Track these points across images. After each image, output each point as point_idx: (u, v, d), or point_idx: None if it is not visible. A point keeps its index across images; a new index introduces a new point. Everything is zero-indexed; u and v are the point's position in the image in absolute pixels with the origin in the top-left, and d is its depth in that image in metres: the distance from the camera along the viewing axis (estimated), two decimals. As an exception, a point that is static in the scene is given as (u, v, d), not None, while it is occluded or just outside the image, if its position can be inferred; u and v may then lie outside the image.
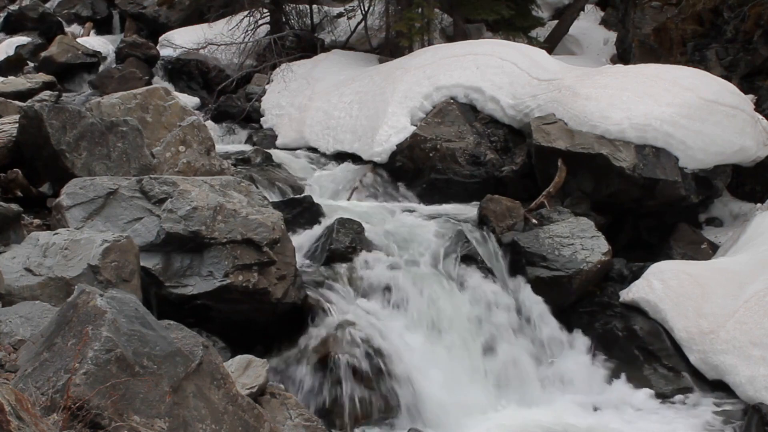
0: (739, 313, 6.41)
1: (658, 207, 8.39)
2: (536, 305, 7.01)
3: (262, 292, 5.73)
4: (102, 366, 3.22)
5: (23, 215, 5.87)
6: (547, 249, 7.24)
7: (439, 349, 6.39)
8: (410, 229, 7.61)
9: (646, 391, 6.51)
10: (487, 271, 7.11)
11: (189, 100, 11.93)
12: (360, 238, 6.99)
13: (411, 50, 11.56)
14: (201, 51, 13.14)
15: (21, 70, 12.91)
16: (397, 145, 9.34)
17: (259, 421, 3.85)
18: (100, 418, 3.13)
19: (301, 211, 7.56)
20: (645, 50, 11.86)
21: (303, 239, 7.16)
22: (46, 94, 9.94)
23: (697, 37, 11.11)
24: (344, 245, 6.88)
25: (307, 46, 13.30)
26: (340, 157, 9.85)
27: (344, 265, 6.80)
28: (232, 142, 11.05)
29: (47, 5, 16.45)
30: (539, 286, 7.08)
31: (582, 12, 15.15)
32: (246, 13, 13.41)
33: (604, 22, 15.65)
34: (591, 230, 7.46)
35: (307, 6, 14.09)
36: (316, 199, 7.95)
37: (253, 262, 5.69)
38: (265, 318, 5.92)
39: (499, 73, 9.54)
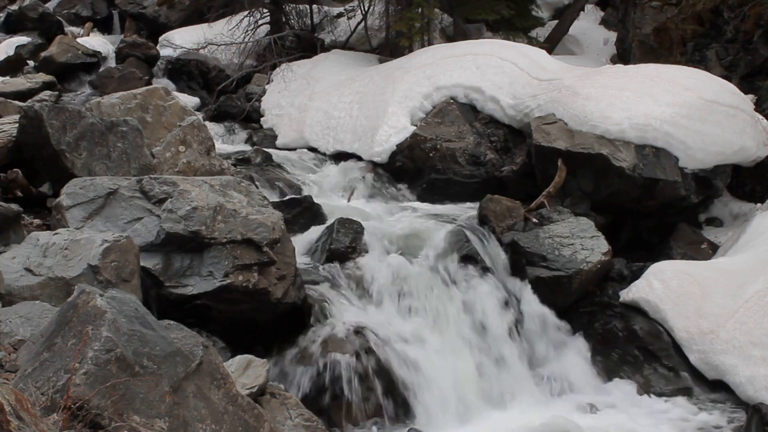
0: (739, 313, 6.42)
1: (658, 207, 8.39)
2: (536, 305, 7.01)
3: (262, 292, 5.73)
4: (102, 366, 3.22)
5: (23, 215, 5.87)
6: (547, 249, 7.24)
7: (438, 348, 6.38)
8: (410, 229, 7.61)
9: (646, 391, 6.52)
10: (487, 271, 7.11)
11: (189, 100, 11.92)
12: (360, 238, 6.99)
13: (411, 50, 11.55)
14: (201, 51, 13.14)
15: (21, 70, 12.89)
16: (397, 145, 9.35)
17: (259, 421, 3.86)
18: (100, 418, 3.13)
19: (301, 211, 7.56)
20: (645, 50, 11.86)
21: (303, 239, 7.17)
22: (46, 94, 9.94)
23: (697, 37, 11.11)
24: (344, 245, 6.88)
25: (307, 46, 13.30)
26: (340, 157, 9.86)
27: (344, 265, 6.80)
28: (232, 142, 11.05)
29: (47, 5, 16.43)
30: (539, 286, 7.08)
31: (582, 12, 15.14)
32: (246, 13, 13.40)
33: (604, 22, 15.65)
34: (591, 230, 7.46)
35: (307, 6, 14.08)
36: (316, 199, 7.96)
37: (253, 262, 5.69)
38: (265, 318, 5.92)
39: (499, 73, 9.54)
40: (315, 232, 7.29)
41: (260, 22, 13.47)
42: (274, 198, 8.09)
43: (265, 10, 13.54)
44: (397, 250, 7.19)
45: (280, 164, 9.43)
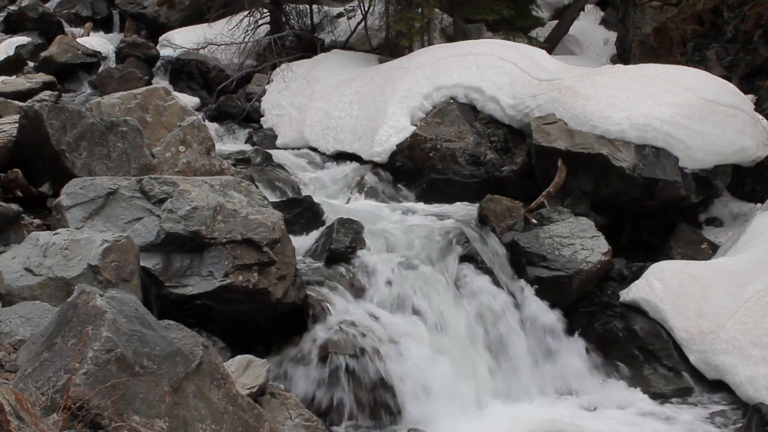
0: (739, 313, 6.42)
1: (658, 207, 8.39)
2: (536, 305, 7.01)
3: (262, 292, 5.72)
4: (102, 366, 3.22)
5: (23, 215, 5.86)
6: (547, 249, 7.24)
7: (438, 349, 6.38)
8: (410, 229, 7.61)
9: (646, 391, 6.52)
10: (487, 271, 7.10)
11: (189, 100, 11.92)
12: (360, 238, 6.99)
13: (411, 50, 11.56)
14: (201, 51, 13.14)
15: (21, 70, 12.89)
16: (397, 145, 9.35)
17: (259, 421, 3.85)
18: (100, 418, 3.13)
19: (301, 211, 7.56)
20: (645, 50, 11.86)
21: (303, 239, 7.16)
22: (46, 94, 9.94)
23: (697, 37, 11.11)
24: (344, 245, 6.88)
25: (307, 46, 13.31)
26: (340, 157, 9.86)
27: (344, 265, 6.80)
28: (232, 142, 11.05)
29: (47, 5, 16.43)
30: (539, 286, 7.08)
31: (582, 12, 15.16)
32: (246, 13, 13.41)
33: (604, 22, 15.66)
34: (591, 230, 7.46)
35: (307, 6, 14.09)
36: (316, 199, 7.95)
37: (253, 262, 5.69)
38: (265, 318, 5.91)
39: (499, 73, 9.54)
40: (315, 232, 7.29)
41: (260, 22, 13.48)
42: (274, 198, 8.09)
43: (265, 10, 13.55)
44: (397, 250, 7.19)
45: (280, 164, 9.43)
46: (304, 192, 8.66)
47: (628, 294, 7.02)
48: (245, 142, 11.06)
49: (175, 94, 9.15)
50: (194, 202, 5.67)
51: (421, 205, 8.76)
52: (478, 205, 8.00)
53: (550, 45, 13.75)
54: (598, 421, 6.14)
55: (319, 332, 6.02)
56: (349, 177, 9.29)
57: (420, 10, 11.84)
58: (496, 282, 7.06)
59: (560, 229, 7.45)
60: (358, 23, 13.69)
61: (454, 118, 9.43)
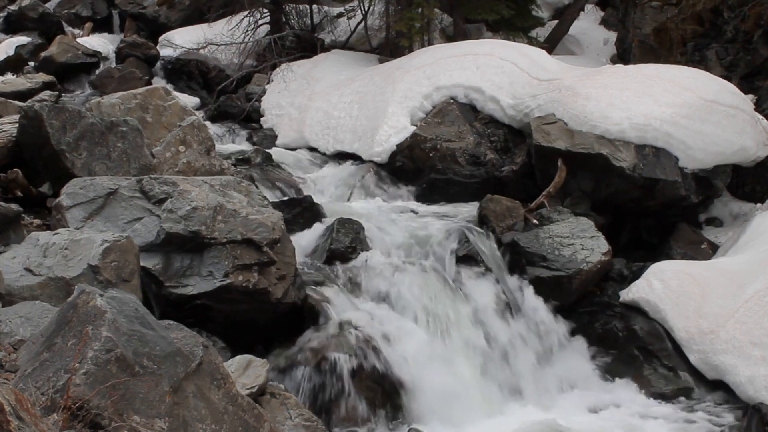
0: (739, 313, 6.41)
1: (658, 207, 8.39)
2: (536, 305, 7.01)
3: (262, 292, 5.72)
4: (102, 366, 3.22)
5: (23, 215, 5.86)
6: (547, 249, 7.24)
7: (438, 349, 6.38)
8: (410, 229, 7.61)
9: (646, 391, 6.51)
10: (487, 271, 7.10)
11: (189, 100, 11.93)
12: (360, 238, 6.99)
13: (411, 50, 11.57)
14: (201, 51, 13.15)
15: (21, 70, 12.90)
16: (397, 145, 9.35)
17: (259, 421, 3.85)
18: (100, 418, 3.13)
19: (301, 211, 7.56)
20: (645, 50, 11.86)
21: (303, 239, 7.16)
22: (46, 94, 9.95)
23: (697, 37, 11.11)
24: (344, 245, 6.88)
25: (307, 46, 13.32)
26: (340, 157, 9.86)
27: (344, 265, 6.80)
28: (232, 142, 11.05)
29: (47, 5, 16.43)
30: (539, 286, 7.07)
31: (582, 12, 15.16)
32: (246, 13, 13.42)
33: (604, 22, 15.66)
34: (591, 230, 7.46)
35: (307, 6, 14.09)
36: (316, 199, 7.96)
37: (253, 262, 5.69)
38: (265, 318, 5.91)
39: (499, 73, 9.54)
40: (315, 232, 7.29)
41: (260, 22, 13.48)
42: (274, 198, 8.09)
43: (265, 10, 13.55)
44: (397, 250, 7.19)
45: (280, 164, 9.43)
46: (304, 192, 8.66)
47: (628, 294, 7.03)
48: (245, 142, 11.06)
49: (175, 94, 9.15)
50: (194, 202, 5.67)
51: (421, 205, 8.77)
52: (478, 205, 8.00)
53: (550, 45, 13.75)
54: (597, 422, 6.14)
55: (319, 332, 6.03)
56: (349, 177, 9.29)
57: (420, 10, 11.84)
58: (496, 282, 7.06)
59: (560, 229, 7.44)
60: (358, 23, 13.69)
61: (454, 118, 9.43)
